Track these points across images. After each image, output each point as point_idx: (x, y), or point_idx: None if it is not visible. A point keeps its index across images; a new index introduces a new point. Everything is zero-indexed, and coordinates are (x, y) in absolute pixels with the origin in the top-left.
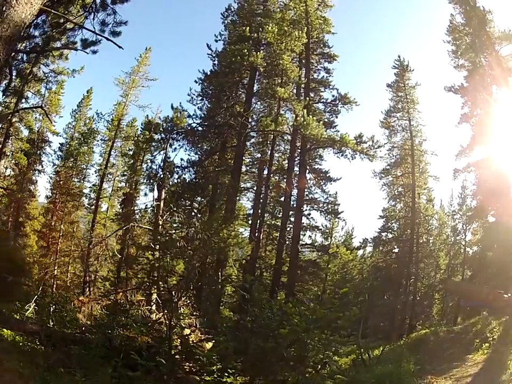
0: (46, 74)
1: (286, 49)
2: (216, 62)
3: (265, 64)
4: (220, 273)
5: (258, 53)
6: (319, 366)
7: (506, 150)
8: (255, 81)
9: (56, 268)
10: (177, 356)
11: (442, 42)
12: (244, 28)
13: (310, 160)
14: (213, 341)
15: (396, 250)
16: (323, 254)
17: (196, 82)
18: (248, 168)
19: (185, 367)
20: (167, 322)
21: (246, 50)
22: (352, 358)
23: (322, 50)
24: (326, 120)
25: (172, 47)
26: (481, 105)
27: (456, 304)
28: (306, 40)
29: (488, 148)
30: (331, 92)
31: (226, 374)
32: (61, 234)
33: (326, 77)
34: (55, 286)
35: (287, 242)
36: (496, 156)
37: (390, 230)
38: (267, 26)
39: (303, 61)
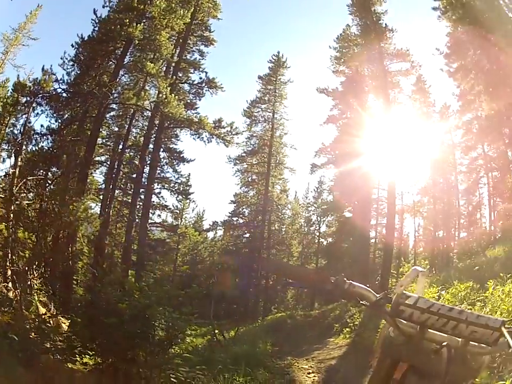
0: None
1: (167, 25)
2: (96, 29)
3: (142, 37)
4: (70, 248)
5: (139, 25)
6: (166, 344)
7: (368, 153)
8: (128, 53)
9: None
10: (31, 335)
11: (328, 48)
12: None
13: (166, 139)
14: (68, 320)
15: (247, 235)
16: (173, 234)
17: (72, 46)
18: (104, 141)
19: (41, 346)
20: (20, 299)
21: (127, 20)
22: (207, 339)
23: (203, 33)
24: (188, 101)
25: (63, 8)
26: (351, 110)
27: (311, 290)
28: (189, 20)
29: (351, 149)
30: (200, 74)
31: (77, 354)
32: None
33: (199, 59)
34: None
35: (137, 220)
36: (357, 157)
37: (241, 215)
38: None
39: (180, 40)
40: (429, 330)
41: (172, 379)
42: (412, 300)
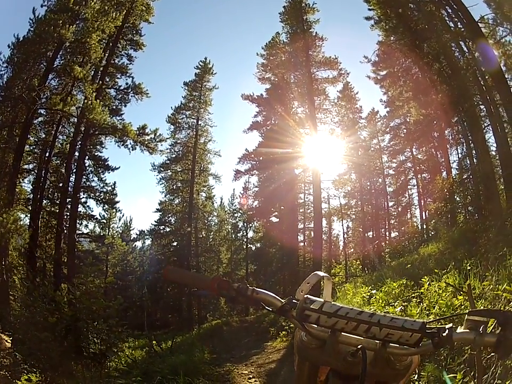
0: None
1: (98, 28)
2: (33, 29)
3: (73, 39)
4: (3, 262)
5: (71, 26)
6: (100, 357)
7: (293, 159)
8: (59, 55)
9: None
10: None
11: (251, 55)
12: None
13: (91, 146)
14: (10, 337)
15: (175, 243)
16: (101, 245)
17: (8, 47)
18: (32, 148)
19: None
20: None
21: (61, 21)
22: (146, 351)
23: (133, 37)
24: (114, 107)
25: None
26: (276, 117)
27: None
28: (121, 23)
29: (275, 155)
30: (126, 79)
31: (19, 371)
32: None
33: (127, 64)
34: None
35: (65, 231)
36: (282, 163)
37: (168, 224)
38: (92, 0)
39: (111, 44)
40: (343, 333)
41: None
42: (317, 305)
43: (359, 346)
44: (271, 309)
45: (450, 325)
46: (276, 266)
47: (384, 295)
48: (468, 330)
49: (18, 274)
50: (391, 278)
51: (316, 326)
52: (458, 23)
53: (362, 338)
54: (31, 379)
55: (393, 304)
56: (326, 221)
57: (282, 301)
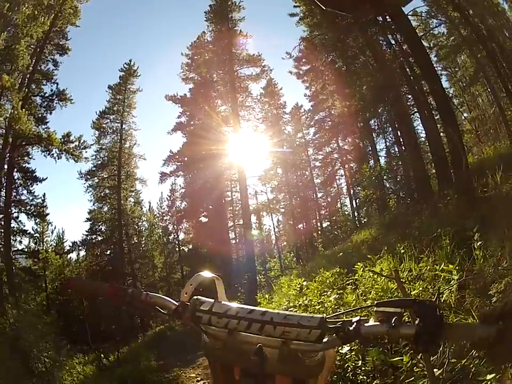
0: None
1: (27, 34)
2: None
3: (3, 46)
4: None
5: (3, 33)
6: (47, 376)
7: (218, 157)
8: None
9: None
10: None
11: (176, 55)
12: (4, 3)
13: (19, 158)
14: None
15: (108, 252)
16: (37, 261)
17: None
18: None
19: None
20: None
21: None
22: (96, 365)
23: (59, 41)
24: (39, 115)
25: None
26: (200, 116)
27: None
28: (48, 28)
29: (200, 155)
30: (51, 86)
31: None
32: None
33: (52, 69)
34: None
35: (1, 249)
36: (207, 162)
37: (99, 232)
38: (23, 6)
39: (38, 50)
40: (242, 333)
41: None
42: (207, 306)
43: (258, 345)
44: (165, 312)
45: (358, 317)
46: (209, 267)
47: (318, 285)
48: (378, 323)
49: None
50: (324, 267)
51: (213, 327)
52: (387, 17)
53: (262, 337)
54: None
55: (328, 293)
56: (256, 217)
57: (177, 303)
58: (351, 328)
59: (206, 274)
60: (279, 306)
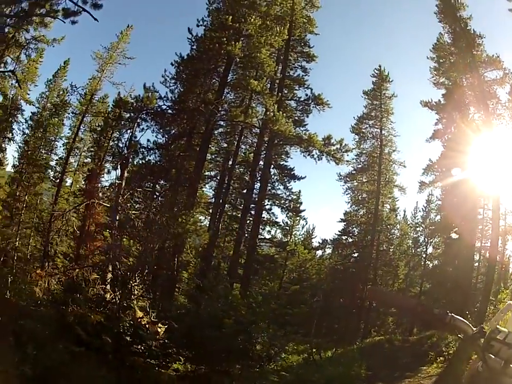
0: (27, 41)
1: (266, 43)
2: (194, 47)
3: (242, 55)
4: (176, 259)
5: (237, 43)
6: (264, 361)
7: (473, 170)
8: (230, 71)
9: (17, 239)
10: (125, 337)
11: (425, 59)
12: (227, 16)
13: (276, 156)
14: (165, 326)
15: (355, 255)
16: (281, 251)
17: (172, 65)
18: (213, 156)
19: (133, 348)
20: (119, 302)
21: (225, 39)
22: (303, 357)
23: (302, 49)
24: (296, 118)
25: (154, 27)
26: (456, 124)
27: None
28: (287, 36)
29: (456, 166)
30: (305, 91)
31: (170, 359)
32: (24, 205)
33: (302, 76)
34: (15, 257)
35: (246, 235)
36: (465, 175)
37: (351, 234)
38: (250, 17)
39: (281, 57)
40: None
41: None
42: (502, 335)
43: None
44: (461, 336)
45: None
46: (450, 287)
47: None
48: None
49: (190, 270)
50: None
51: (493, 357)
52: None
53: None
54: (178, 369)
55: None
56: (501, 240)
57: (474, 329)
58: None
59: None
60: None
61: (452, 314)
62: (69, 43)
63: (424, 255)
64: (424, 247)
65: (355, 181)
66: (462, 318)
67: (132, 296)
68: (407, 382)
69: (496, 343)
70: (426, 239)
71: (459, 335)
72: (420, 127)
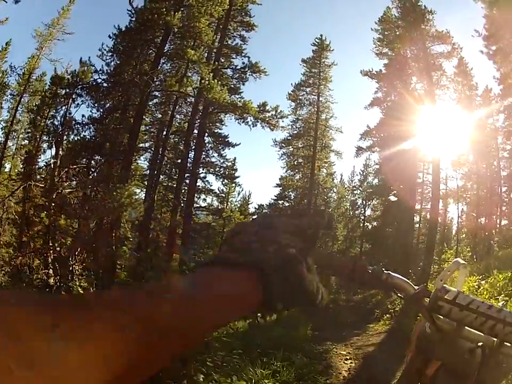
0: None
1: (206, 12)
2: (133, 19)
3: (181, 25)
4: (114, 234)
5: (177, 13)
6: None
7: (413, 136)
8: (168, 41)
9: None
10: None
11: (369, 30)
12: None
13: (211, 124)
14: None
15: None
16: (217, 218)
17: (110, 37)
18: (148, 128)
19: None
20: (62, 285)
21: (164, 9)
22: (249, 321)
23: (243, 18)
24: (232, 86)
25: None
26: (396, 93)
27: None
28: (228, 6)
29: (396, 133)
30: (242, 59)
31: None
32: None
33: (240, 44)
34: None
35: (182, 204)
36: (402, 141)
37: (287, 199)
38: None
39: (221, 27)
40: (466, 328)
41: (208, 363)
42: (451, 295)
43: (479, 344)
44: (402, 296)
45: None
46: (390, 247)
47: (489, 287)
48: None
49: (129, 245)
50: (497, 269)
51: (441, 317)
52: None
53: (482, 334)
54: None
55: (497, 297)
56: (442, 203)
57: (416, 288)
58: None
59: (461, 261)
60: None
61: (389, 272)
62: (15, 24)
63: (362, 217)
64: (362, 209)
65: (290, 147)
66: (400, 276)
67: (74, 277)
68: (355, 340)
69: (445, 304)
70: (364, 201)
71: (399, 294)
72: (358, 96)
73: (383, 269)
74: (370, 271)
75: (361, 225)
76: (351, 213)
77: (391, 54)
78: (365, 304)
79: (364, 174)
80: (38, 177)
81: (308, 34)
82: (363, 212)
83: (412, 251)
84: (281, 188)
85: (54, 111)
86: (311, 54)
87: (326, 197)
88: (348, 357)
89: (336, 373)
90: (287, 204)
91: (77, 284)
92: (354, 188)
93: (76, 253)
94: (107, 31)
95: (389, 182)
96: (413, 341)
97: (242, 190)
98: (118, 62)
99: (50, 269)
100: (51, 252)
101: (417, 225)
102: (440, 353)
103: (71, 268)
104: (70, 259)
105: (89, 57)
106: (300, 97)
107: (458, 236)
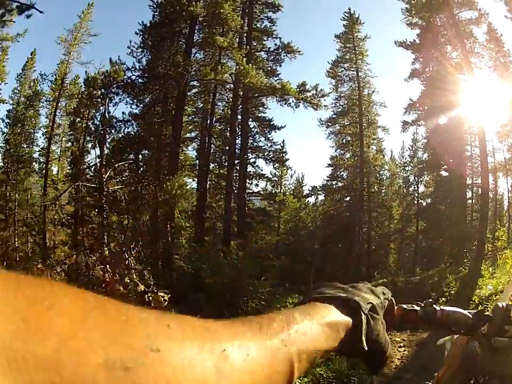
0: None
1: None
2: (157, 13)
3: (205, 13)
4: (168, 225)
5: (198, 2)
6: (255, 314)
7: (456, 107)
8: (196, 31)
9: (16, 239)
10: None
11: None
12: None
13: (254, 109)
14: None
15: (347, 198)
16: (272, 203)
17: (137, 34)
18: (191, 118)
19: None
20: (119, 279)
21: (185, 0)
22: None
23: (267, 0)
24: (269, 69)
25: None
26: (433, 63)
27: (413, 255)
28: None
29: (439, 104)
30: (274, 41)
31: None
32: (16, 204)
33: (270, 26)
34: (17, 258)
35: (235, 191)
36: (446, 112)
37: (339, 179)
38: None
39: (246, 11)
40: None
41: None
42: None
43: None
44: (459, 331)
45: None
46: (445, 225)
47: None
48: None
49: (186, 235)
50: None
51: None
52: None
53: None
54: None
55: None
56: (492, 178)
57: (470, 314)
58: None
59: None
60: (498, 285)
61: (442, 307)
62: (34, 35)
63: (416, 194)
64: (416, 186)
65: (337, 125)
66: (454, 308)
67: (129, 271)
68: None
69: (510, 327)
70: (416, 178)
71: (453, 330)
72: (396, 67)
73: (434, 306)
74: (420, 315)
75: (416, 202)
76: (405, 190)
77: (422, 23)
78: (422, 286)
79: (413, 149)
80: (87, 177)
81: (336, 8)
82: (416, 188)
83: (467, 230)
84: (332, 168)
85: (94, 111)
86: (342, 29)
87: (378, 175)
88: (402, 344)
89: (389, 361)
90: (340, 184)
91: (134, 277)
92: (405, 164)
93: (131, 247)
94: (131, 29)
95: (439, 156)
96: (452, 361)
97: (294, 172)
98: (149, 57)
99: (107, 265)
100: (105, 248)
101: (470, 201)
102: (492, 368)
103: (126, 262)
104: (125, 254)
105: (119, 56)
106: (339, 73)
107: (509, 211)
